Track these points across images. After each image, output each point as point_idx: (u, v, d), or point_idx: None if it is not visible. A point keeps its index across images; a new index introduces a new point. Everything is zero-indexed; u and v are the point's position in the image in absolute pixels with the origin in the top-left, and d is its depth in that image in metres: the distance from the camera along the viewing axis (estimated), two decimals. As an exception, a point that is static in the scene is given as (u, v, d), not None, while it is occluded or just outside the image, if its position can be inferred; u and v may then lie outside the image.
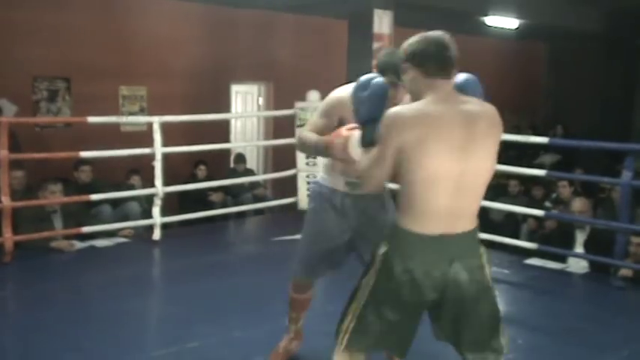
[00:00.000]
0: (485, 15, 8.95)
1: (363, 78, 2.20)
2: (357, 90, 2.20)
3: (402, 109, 2.00)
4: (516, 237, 6.05)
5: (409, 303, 2.06)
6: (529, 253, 5.30)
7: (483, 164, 2.03)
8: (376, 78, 2.20)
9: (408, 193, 2.01)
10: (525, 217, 6.54)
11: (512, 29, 9.93)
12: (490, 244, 5.57)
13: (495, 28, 9.77)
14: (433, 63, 2.02)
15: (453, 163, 1.96)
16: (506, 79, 12.28)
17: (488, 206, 6.06)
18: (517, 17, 9.21)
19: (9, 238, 4.72)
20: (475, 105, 2.05)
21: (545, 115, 12.72)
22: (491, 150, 2.05)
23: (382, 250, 2.08)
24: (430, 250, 2.02)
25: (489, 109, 2.07)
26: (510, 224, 6.78)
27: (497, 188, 7.81)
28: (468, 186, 2.01)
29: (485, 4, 8.49)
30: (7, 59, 6.68)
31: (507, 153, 10.32)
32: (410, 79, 2.06)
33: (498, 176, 8.12)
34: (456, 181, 1.98)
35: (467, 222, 2.07)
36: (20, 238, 4.82)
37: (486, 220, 6.91)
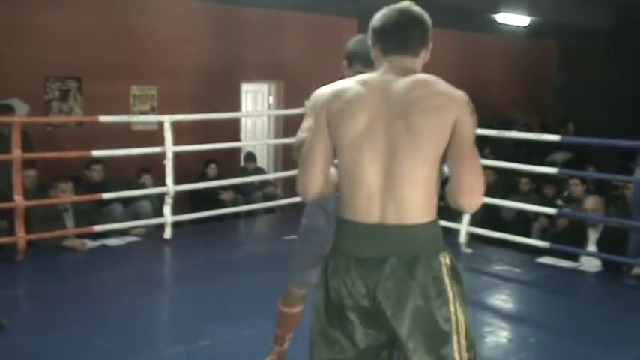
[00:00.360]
0: (496, 12, 8.91)
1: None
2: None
3: (324, 87, 1.83)
4: (528, 235, 6.02)
5: (346, 311, 1.71)
6: (541, 251, 5.27)
7: (421, 147, 1.67)
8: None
9: (339, 172, 1.77)
10: (537, 215, 6.50)
11: (522, 27, 9.88)
12: (501, 243, 5.57)
13: (506, 25, 9.72)
14: (387, 38, 1.79)
15: (378, 140, 1.69)
16: (516, 77, 12.23)
17: (500, 204, 6.04)
18: (528, 14, 9.16)
19: (22, 237, 4.75)
20: (428, 80, 1.74)
21: (556, 113, 12.64)
22: (436, 134, 1.68)
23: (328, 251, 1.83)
24: (363, 241, 1.72)
25: (450, 92, 1.72)
26: (522, 222, 6.74)
27: (508, 186, 7.77)
28: (402, 170, 1.68)
29: (497, 2, 8.45)
30: (20, 59, 6.73)
31: (518, 151, 10.30)
32: (374, 57, 1.85)
33: (509, 174, 8.14)
34: (382, 159, 1.69)
35: (410, 212, 1.69)
36: (33, 237, 4.85)
37: (497, 218, 6.88)
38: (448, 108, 1.68)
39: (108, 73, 7.34)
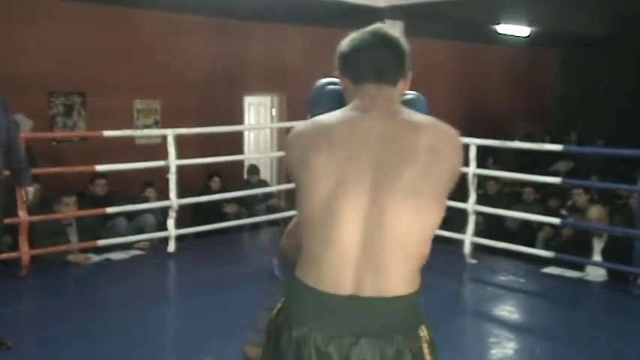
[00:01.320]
0: (497, 24, 8.94)
1: (316, 85, 1.83)
2: (309, 105, 1.80)
3: (303, 123, 1.53)
4: (532, 245, 6.00)
5: None
6: (546, 261, 5.25)
7: (419, 207, 1.37)
8: (329, 85, 1.81)
9: (305, 225, 1.46)
10: (541, 225, 6.49)
11: (523, 37, 9.91)
12: (506, 253, 5.55)
13: (507, 36, 9.75)
14: (359, 65, 1.52)
15: (361, 194, 1.38)
16: (517, 87, 12.25)
17: (504, 214, 6.03)
18: (528, 25, 9.18)
19: (26, 252, 4.75)
20: (419, 119, 1.47)
21: (558, 122, 12.65)
22: (438, 189, 1.40)
23: (276, 309, 1.51)
24: (329, 317, 1.39)
25: (444, 129, 1.45)
26: (526, 232, 6.73)
27: (512, 196, 7.76)
28: (390, 234, 1.37)
29: (497, 13, 8.48)
30: (24, 75, 6.76)
31: (521, 160, 10.29)
32: (344, 88, 1.58)
33: (513, 184, 8.12)
34: (363, 216, 1.37)
35: (390, 282, 1.39)
36: (37, 252, 4.85)
37: (502, 228, 6.87)
38: (451, 157, 1.42)
39: (111, 87, 7.38)
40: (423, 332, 1.46)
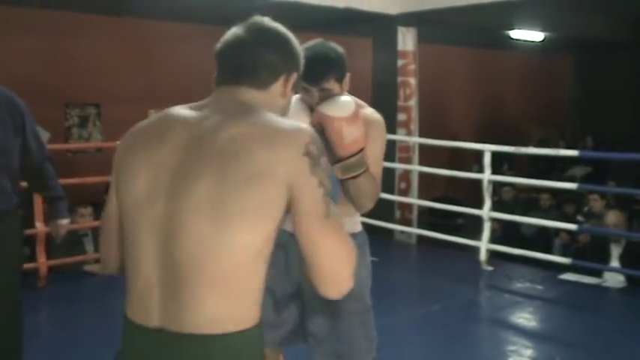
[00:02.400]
0: (511, 29, 8.90)
1: None
2: None
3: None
4: (549, 252, 5.95)
5: None
6: (563, 267, 5.20)
7: (225, 226, 1.12)
8: None
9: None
10: (557, 231, 6.43)
11: (537, 42, 9.86)
12: (522, 259, 5.50)
13: (520, 41, 9.71)
14: (220, 65, 1.34)
15: (158, 206, 1.17)
16: (532, 93, 12.17)
17: (520, 221, 5.98)
18: (542, 30, 9.14)
19: (43, 262, 4.79)
20: (256, 122, 1.18)
21: (574, 128, 12.55)
22: (253, 210, 1.12)
23: None
24: (138, 354, 1.19)
25: (283, 139, 1.16)
26: (543, 239, 6.68)
27: (528, 202, 7.70)
28: (189, 255, 1.13)
29: (510, 19, 8.44)
30: (41, 87, 6.83)
31: (536, 166, 10.22)
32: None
33: (528, 190, 8.07)
34: (160, 232, 1.16)
35: (194, 316, 1.13)
36: (54, 263, 4.89)
37: (518, 234, 6.82)
38: (274, 170, 1.12)
39: (126, 98, 7.44)
40: None
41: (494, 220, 5.63)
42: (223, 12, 7.02)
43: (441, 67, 9.93)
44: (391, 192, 6.74)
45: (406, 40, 7.02)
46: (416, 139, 6.91)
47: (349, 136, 1.79)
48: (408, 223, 6.87)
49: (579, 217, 6.54)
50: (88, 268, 5.13)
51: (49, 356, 3.61)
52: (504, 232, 6.76)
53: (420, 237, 6.55)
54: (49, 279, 4.81)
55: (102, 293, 4.81)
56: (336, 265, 1.18)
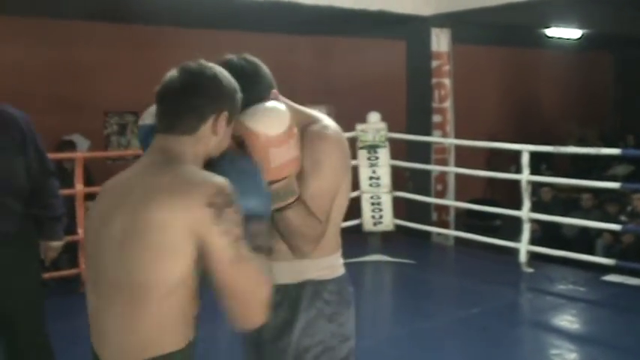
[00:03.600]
0: (546, 27, 8.76)
1: None
2: None
3: None
4: (591, 253, 5.82)
5: None
6: (606, 269, 5.08)
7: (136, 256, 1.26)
8: None
9: None
10: (600, 231, 6.29)
11: (574, 40, 9.68)
12: (563, 261, 5.40)
13: (557, 39, 9.54)
14: (157, 109, 1.40)
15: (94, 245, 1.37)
16: (570, 90, 11.96)
17: (561, 221, 5.87)
18: (580, 27, 8.97)
19: (84, 268, 4.88)
20: (162, 178, 1.29)
21: (614, 126, 12.29)
22: (154, 241, 1.24)
23: None
24: None
25: (184, 193, 1.25)
26: (584, 239, 6.54)
27: (568, 202, 7.56)
28: (113, 284, 1.30)
29: (546, 17, 8.31)
30: (81, 97, 7.01)
31: (577, 165, 10.02)
32: None
33: (568, 190, 7.92)
34: (96, 271, 1.36)
35: (127, 343, 1.30)
36: (95, 268, 4.98)
37: (558, 235, 6.70)
38: (175, 218, 1.23)
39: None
40: None
41: (533, 221, 5.54)
42: (258, 19, 7.11)
43: (475, 67, 9.83)
44: (427, 194, 6.70)
45: (440, 41, 6.97)
46: (452, 141, 6.85)
47: (276, 161, 1.46)
48: (445, 225, 6.81)
49: (622, 217, 6.39)
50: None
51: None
52: (544, 234, 6.64)
53: (457, 239, 6.49)
54: (91, 284, 4.89)
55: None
56: (245, 306, 1.29)
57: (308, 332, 1.66)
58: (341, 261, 1.76)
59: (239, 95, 1.41)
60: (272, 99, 1.59)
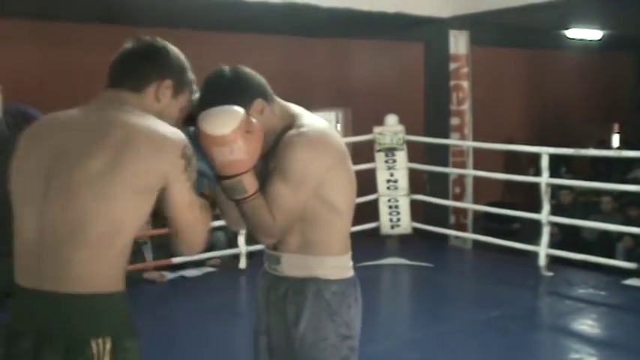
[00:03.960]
0: (567, 28, 8.69)
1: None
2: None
3: None
4: (611, 256, 5.76)
5: None
6: (627, 273, 5.02)
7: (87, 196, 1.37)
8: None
9: None
10: (620, 235, 6.22)
11: (595, 41, 9.59)
12: (583, 265, 5.34)
13: (577, 40, 9.46)
14: (108, 74, 1.57)
15: (39, 179, 1.41)
16: (590, 93, 11.85)
17: (581, 225, 5.81)
18: (601, 28, 8.88)
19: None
20: (126, 118, 1.44)
21: (636, 128, 12.14)
22: (124, 178, 1.38)
23: None
24: (15, 312, 1.42)
25: (161, 135, 1.43)
26: (604, 243, 6.47)
27: (588, 206, 7.49)
28: (61, 215, 1.38)
29: (566, 17, 8.24)
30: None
31: (597, 168, 9.92)
32: None
33: (588, 193, 7.84)
34: (41, 203, 1.40)
35: (68, 277, 1.38)
36: (115, 270, 5.02)
37: (578, 239, 6.63)
38: (157, 167, 1.41)
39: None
40: (98, 347, 1.40)
41: (553, 224, 5.49)
42: (280, 21, 7.13)
43: (494, 69, 9.78)
44: (445, 197, 6.67)
45: (458, 43, 6.94)
46: (470, 143, 6.81)
47: (220, 159, 1.58)
48: (463, 228, 6.77)
49: (643, 221, 6.31)
50: (147, 275, 5.25)
51: None
52: (564, 237, 6.58)
53: (475, 242, 6.45)
54: (110, 286, 4.93)
55: (160, 300, 4.92)
56: (190, 237, 1.55)
57: (312, 327, 1.73)
58: (350, 263, 1.82)
59: (189, 74, 1.61)
60: (254, 109, 1.70)
